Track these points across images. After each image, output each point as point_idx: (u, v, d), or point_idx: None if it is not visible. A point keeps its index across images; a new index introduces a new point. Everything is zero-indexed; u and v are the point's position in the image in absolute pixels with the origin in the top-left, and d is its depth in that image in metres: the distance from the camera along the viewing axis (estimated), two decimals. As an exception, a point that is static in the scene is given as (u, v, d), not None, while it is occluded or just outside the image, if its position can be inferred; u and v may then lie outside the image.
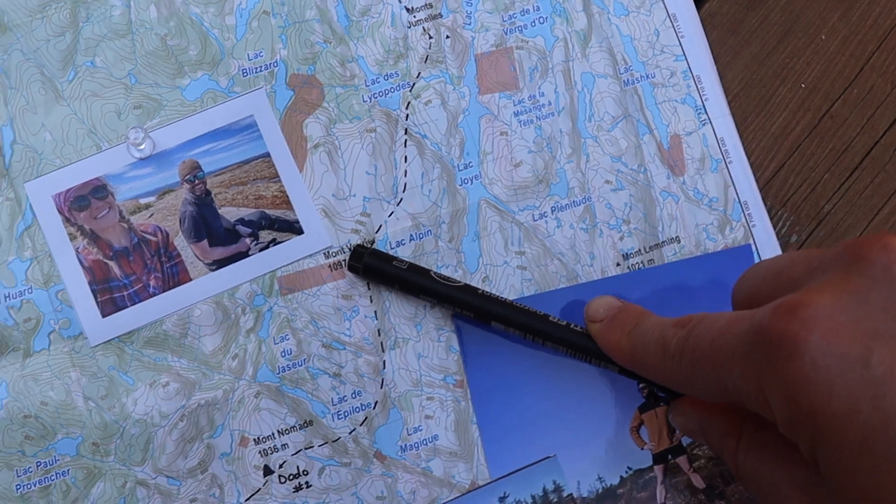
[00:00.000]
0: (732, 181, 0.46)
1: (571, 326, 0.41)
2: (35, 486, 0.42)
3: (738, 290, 0.36)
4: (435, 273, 0.43)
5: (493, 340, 0.44)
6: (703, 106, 0.46)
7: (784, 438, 0.32)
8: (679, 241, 0.45)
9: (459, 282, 0.43)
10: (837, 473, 0.28)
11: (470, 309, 0.42)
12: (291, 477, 0.43)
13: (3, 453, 0.42)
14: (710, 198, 0.46)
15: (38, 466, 0.42)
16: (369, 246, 0.44)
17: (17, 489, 0.42)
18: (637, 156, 0.46)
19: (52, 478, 0.42)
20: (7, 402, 0.43)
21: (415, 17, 0.46)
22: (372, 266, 0.43)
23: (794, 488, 0.32)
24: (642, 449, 0.44)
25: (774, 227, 0.46)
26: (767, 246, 0.46)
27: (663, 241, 0.45)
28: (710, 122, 0.46)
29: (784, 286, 0.33)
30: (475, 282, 0.45)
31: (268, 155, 0.44)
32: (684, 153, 0.46)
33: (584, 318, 0.40)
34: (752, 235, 0.46)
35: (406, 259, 0.44)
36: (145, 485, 0.43)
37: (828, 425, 0.28)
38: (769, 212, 0.46)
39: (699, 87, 0.46)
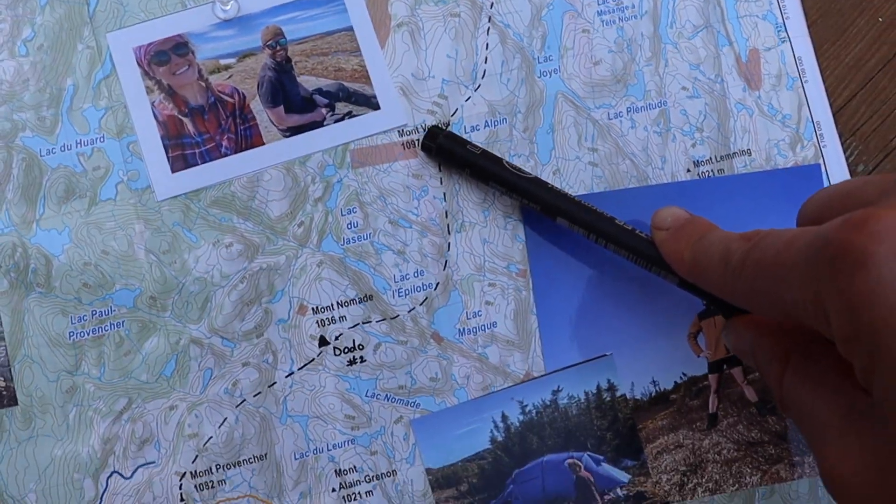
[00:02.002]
0: (807, 100, 0.41)
1: (636, 232, 0.37)
2: (88, 334, 0.38)
3: (805, 209, 0.33)
4: (507, 162, 0.39)
5: (559, 234, 0.40)
6: (784, 24, 0.42)
7: (831, 367, 0.29)
8: (750, 154, 0.41)
9: (530, 174, 0.39)
10: (893, 393, 0.25)
11: (537, 202, 0.38)
12: (346, 350, 0.39)
13: (60, 299, 0.38)
14: (783, 114, 0.41)
15: (93, 315, 0.38)
16: (444, 127, 0.40)
17: (70, 336, 0.38)
18: (715, 66, 0.41)
19: (107, 328, 0.38)
20: (68, 248, 0.38)
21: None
22: (445, 147, 0.39)
23: (837, 416, 0.29)
24: (698, 356, 0.40)
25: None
26: (837, 167, 0.41)
27: (734, 153, 0.41)
28: (790, 41, 0.42)
29: (854, 206, 0.28)
30: (546, 174, 0.40)
31: (351, 29, 0.40)
32: (762, 68, 0.41)
33: (650, 225, 0.37)
34: (823, 156, 0.41)
35: (480, 145, 0.39)
36: (199, 343, 0.38)
37: (889, 341, 0.24)
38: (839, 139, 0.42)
39: (781, 4, 0.42)
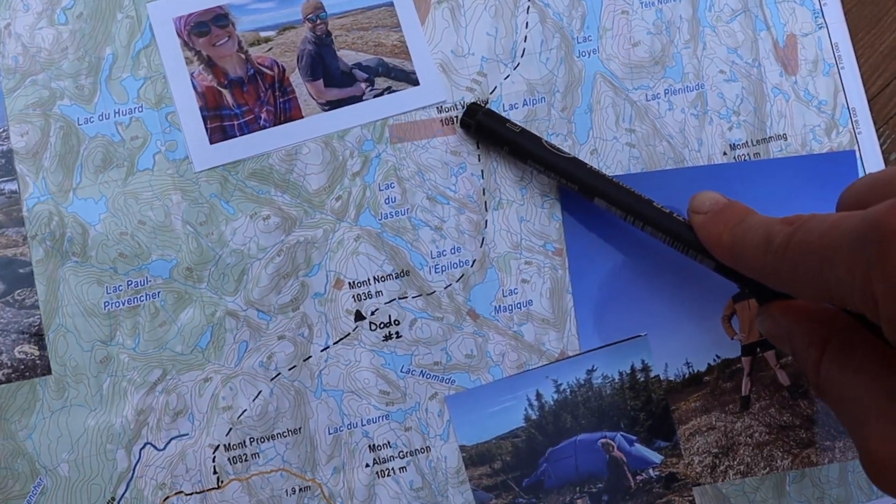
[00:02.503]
0: (843, 86, 0.41)
1: (674, 215, 0.36)
2: (124, 304, 0.37)
3: (846, 195, 0.32)
4: (546, 141, 0.38)
5: (596, 214, 0.39)
6: (821, 10, 0.41)
7: (873, 353, 0.28)
8: (786, 139, 0.40)
9: (569, 153, 0.38)
10: None
11: (575, 182, 0.37)
12: (382, 325, 0.38)
13: (96, 268, 0.37)
14: (819, 100, 0.41)
15: (128, 286, 0.37)
16: (483, 105, 0.39)
17: (105, 306, 0.37)
18: (752, 50, 0.41)
19: (142, 298, 0.37)
20: (105, 218, 0.38)
21: None
22: (484, 125, 0.38)
23: (877, 401, 0.28)
24: (732, 339, 0.39)
25: (876, 140, 0.41)
26: (872, 154, 0.41)
27: (770, 137, 0.40)
28: (827, 27, 0.41)
29: None
30: (584, 153, 0.40)
31: (391, 4, 0.39)
32: (798, 53, 0.41)
33: (687, 209, 0.36)
34: (858, 142, 0.41)
35: (518, 123, 0.39)
36: (235, 316, 0.38)
37: None
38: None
39: (819, -9, 0.41)
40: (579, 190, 0.38)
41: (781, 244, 0.30)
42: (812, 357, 0.31)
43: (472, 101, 0.40)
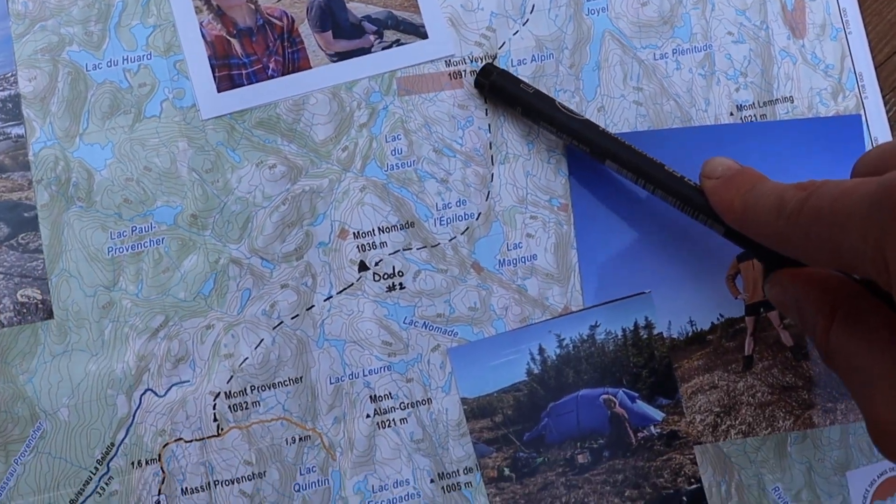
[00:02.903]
0: (850, 51, 0.41)
1: (685, 179, 0.36)
2: (127, 250, 0.37)
3: (861, 162, 0.32)
4: (559, 103, 0.38)
5: (601, 171, 0.39)
6: None
7: (882, 321, 0.28)
8: (792, 101, 0.40)
9: (582, 115, 0.38)
10: None
11: (588, 144, 0.37)
12: (386, 276, 0.38)
13: (100, 214, 0.37)
14: (826, 64, 0.41)
15: (132, 231, 0.37)
16: (492, 60, 0.39)
17: (109, 251, 0.37)
18: (761, 12, 0.40)
19: (146, 244, 0.37)
20: (111, 163, 0.37)
21: None
22: (499, 85, 0.38)
23: (887, 370, 0.28)
24: (736, 298, 0.39)
25: (882, 106, 0.43)
26: (877, 119, 0.41)
27: (777, 99, 0.40)
28: None
29: None
30: (591, 110, 0.39)
31: None
32: (807, 17, 0.41)
33: (699, 174, 0.36)
34: (864, 106, 0.41)
35: (529, 82, 0.38)
36: (239, 263, 0.37)
37: None
38: (878, 91, 0.42)
39: (827, -45, 0.42)
40: (591, 152, 0.38)
41: (794, 209, 0.29)
42: (820, 325, 0.31)
43: (482, 56, 0.40)
